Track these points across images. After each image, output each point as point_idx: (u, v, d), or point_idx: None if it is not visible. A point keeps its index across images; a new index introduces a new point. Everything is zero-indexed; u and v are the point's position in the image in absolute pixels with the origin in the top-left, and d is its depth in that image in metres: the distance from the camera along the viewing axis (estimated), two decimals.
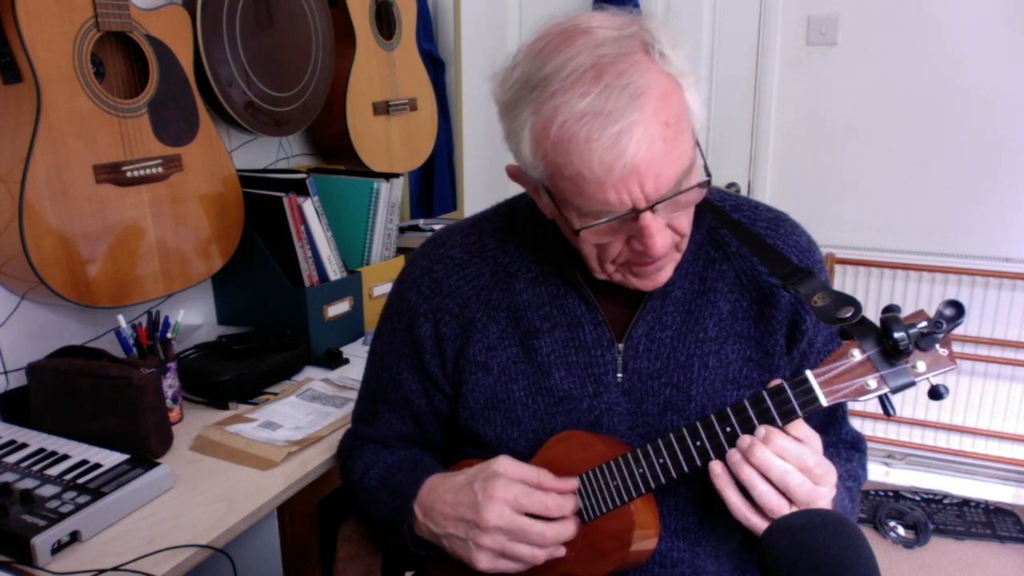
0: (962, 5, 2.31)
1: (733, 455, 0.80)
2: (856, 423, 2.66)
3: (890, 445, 2.69)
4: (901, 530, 2.45)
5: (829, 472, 0.81)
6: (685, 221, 0.86)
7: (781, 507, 0.79)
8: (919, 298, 2.54)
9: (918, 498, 2.57)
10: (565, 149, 0.77)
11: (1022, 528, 2.44)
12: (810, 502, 0.79)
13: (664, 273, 0.90)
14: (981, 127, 2.37)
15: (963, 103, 2.37)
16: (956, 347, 2.60)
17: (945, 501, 2.56)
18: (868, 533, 2.12)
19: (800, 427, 0.81)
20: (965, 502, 2.55)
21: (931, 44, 2.37)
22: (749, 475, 0.79)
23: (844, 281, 2.62)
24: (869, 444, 2.84)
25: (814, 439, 0.81)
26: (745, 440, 0.80)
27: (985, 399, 2.54)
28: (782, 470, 0.78)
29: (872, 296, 2.60)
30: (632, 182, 0.76)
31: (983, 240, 2.44)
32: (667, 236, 0.83)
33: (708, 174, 0.83)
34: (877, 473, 2.74)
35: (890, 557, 2.36)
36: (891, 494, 2.60)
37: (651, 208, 0.79)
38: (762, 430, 0.80)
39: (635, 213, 0.79)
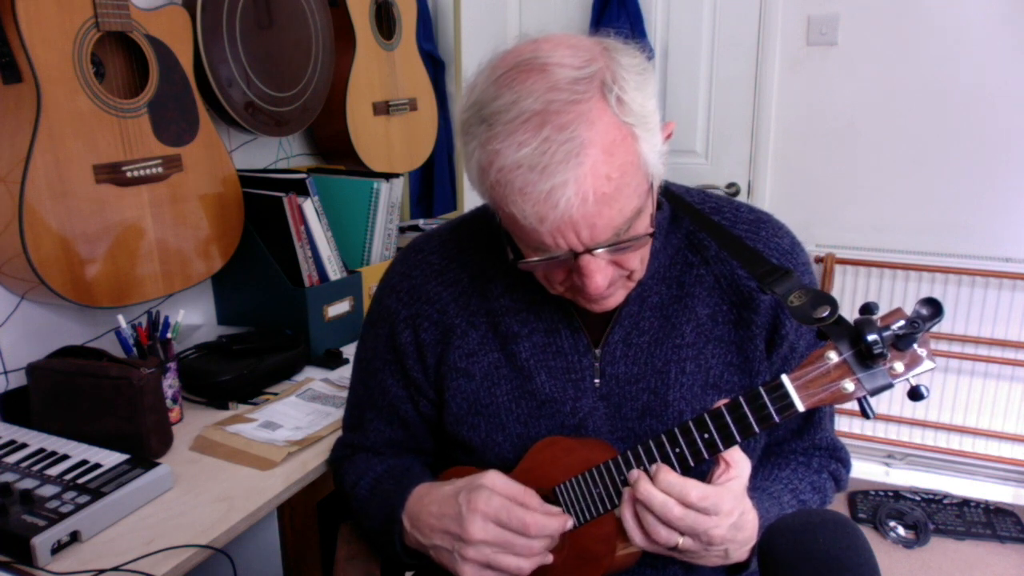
0: (962, 5, 2.31)
1: (626, 492, 0.82)
2: (856, 423, 2.67)
3: (890, 445, 2.69)
4: (901, 530, 2.45)
5: (721, 502, 0.80)
6: (633, 259, 0.85)
7: (669, 538, 0.80)
8: (919, 298, 2.54)
9: (918, 498, 2.57)
10: (502, 193, 0.77)
11: (1022, 528, 2.44)
12: (697, 533, 0.79)
13: (614, 299, 0.89)
14: (981, 127, 2.37)
15: (963, 103, 2.37)
16: (957, 347, 2.61)
17: (945, 501, 2.56)
18: (868, 533, 2.12)
19: (730, 452, 0.81)
20: (965, 502, 2.55)
21: (931, 44, 2.37)
22: (638, 507, 0.81)
23: (844, 281, 2.61)
24: (869, 444, 2.83)
25: (741, 464, 0.82)
26: (633, 475, 0.82)
27: (985, 399, 2.54)
28: (662, 503, 0.79)
29: (872, 296, 2.60)
30: (567, 231, 0.76)
31: (983, 240, 2.44)
32: (608, 274, 0.82)
33: (652, 225, 0.82)
34: (877, 473, 2.74)
35: (890, 557, 2.36)
36: (891, 494, 2.60)
37: (589, 251, 0.78)
38: (654, 466, 0.81)
39: (574, 254, 0.79)
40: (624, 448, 0.86)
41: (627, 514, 0.82)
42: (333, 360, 1.64)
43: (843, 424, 2.70)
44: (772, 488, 0.95)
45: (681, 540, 0.80)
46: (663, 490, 0.79)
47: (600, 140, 0.74)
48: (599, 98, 0.75)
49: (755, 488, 0.89)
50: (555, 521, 0.87)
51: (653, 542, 0.81)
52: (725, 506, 0.79)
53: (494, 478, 0.88)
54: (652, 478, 0.80)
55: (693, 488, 0.79)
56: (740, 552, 0.83)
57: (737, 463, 0.82)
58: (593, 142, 0.74)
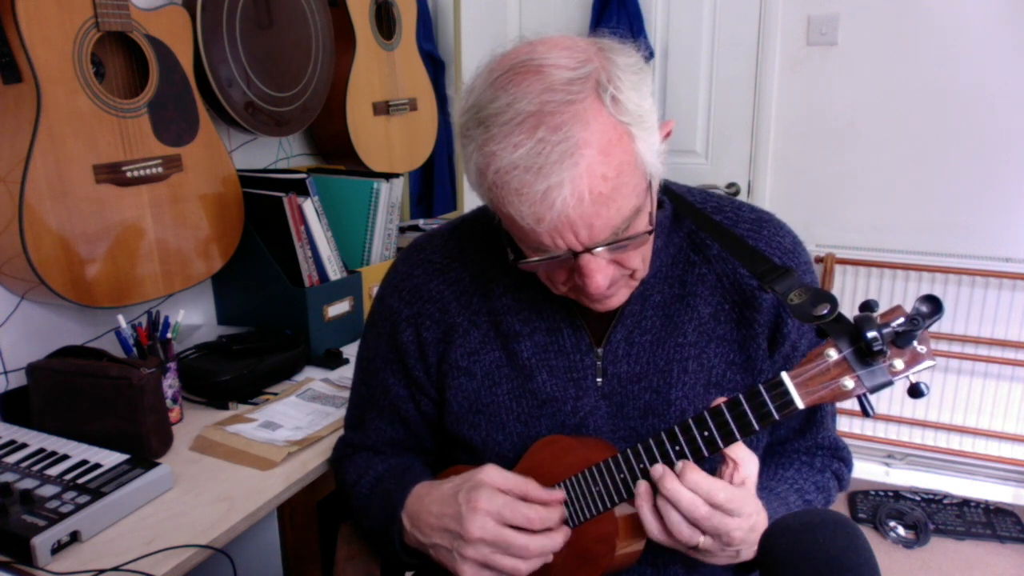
0: (962, 5, 2.31)
1: (641, 485, 0.82)
2: (857, 423, 2.67)
3: (890, 445, 2.69)
4: (901, 530, 2.45)
5: (745, 504, 0.80)
6: (634, 257, 0.85)
7: (692, 537, 0.79)
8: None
9: (918, 498, 2.57)
10: (500, 194, 0.77)
11: (1022, 528, 2.44)
12: (720, 533, 0.79)
13: (616, 299, 0.89)
14: (981, 127, 2.37)
15: (963, 103, 2.37)
16: (957, 347, 2.61)
17: (945, 501, 2.57)
18: (868, 533, 2.12)
19: (735, 450, 0.81)
20: (965, 502, 2.55)
21: (931, 44, 2.37)
22: (661, 504, 0.80)
23: (844, 281, 2.62)
24: (869, 444, 2.83)
25: (748, 461, 0.81)
26: (657, 470, 0.81)
27: (985, 399, 2.54)
28: (690, 501, 0.78)
29: (872, 296, 2.59)
30: (565, 231, 0.76)
31: (983, 240, 2.44)
32: (608, 273, 0.82)
33: (651, 223, 0.82)
34: (877, 473, 2.74)
35: (890, 557, 2.36)
36: (891, 494, 2.60)
37: (588, 251, 0.78)
38: (680, 464, 0.80)
39: (573, 254, 0.79)
40: (625, 447, 0.86)
41: (645, 508, 0.81)
42: (333, 360, 1.64)
43: (843, 424, 2.70)
44: (778, 488, 0.95)
45: (703, 539, 0.79)
46: (691, 489, 0.79)
47: (595, 140, 0.74)
48: (594, 98, 0.75)
49: (761, 488, 0.89)
50: (556, 512, 0.88)
51: (673, 538, 0.81)
52: (747, 508, 0.80)
53: (492, 473, 0.88)
54: (677, 475, 0.80)
55: (721, 489, 0.78)
56: (749, 552, 0.84)
57: (743, 460, 0.81)
58: (588, 142, 0.74)
